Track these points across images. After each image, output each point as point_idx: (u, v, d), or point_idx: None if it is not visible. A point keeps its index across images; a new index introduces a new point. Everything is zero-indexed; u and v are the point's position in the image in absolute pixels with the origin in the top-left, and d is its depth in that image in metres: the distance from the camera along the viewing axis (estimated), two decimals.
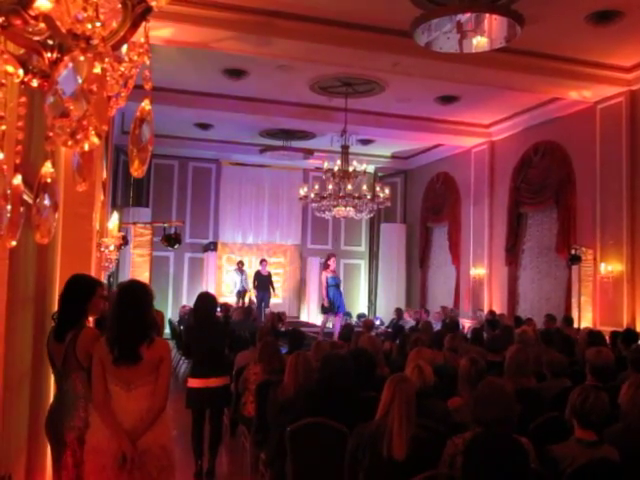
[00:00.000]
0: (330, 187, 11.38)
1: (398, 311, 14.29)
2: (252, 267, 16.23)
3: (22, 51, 1.07)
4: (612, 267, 10.12)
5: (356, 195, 11.32)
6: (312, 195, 11.72)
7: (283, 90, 11.37)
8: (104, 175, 8.64)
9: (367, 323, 9.68)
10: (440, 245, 16.00)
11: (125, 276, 13.36)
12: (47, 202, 1.26)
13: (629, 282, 9.85)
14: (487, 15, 6.79)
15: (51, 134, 1.01)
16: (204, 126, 13.97)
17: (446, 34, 7.06)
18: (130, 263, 13.04)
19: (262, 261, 15.71)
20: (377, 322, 14.34)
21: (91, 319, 3.97)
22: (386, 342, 7.85)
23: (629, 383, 3.44)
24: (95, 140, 1.02)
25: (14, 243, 1.27)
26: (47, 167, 1.26)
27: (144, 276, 11.77)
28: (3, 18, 0.97)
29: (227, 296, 15.76)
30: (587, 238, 10.78)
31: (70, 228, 4.83)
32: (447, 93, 11.36)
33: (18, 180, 1.24)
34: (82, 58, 0.97)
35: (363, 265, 18.41)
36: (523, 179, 12.58)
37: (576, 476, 2.85)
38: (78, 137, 1.00)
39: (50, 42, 1.03)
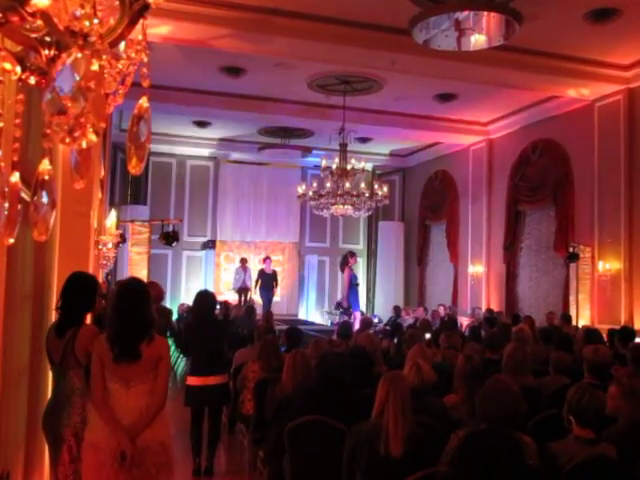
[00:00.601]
0: (328, 185, 11.38)
1: (396, 309, 14.31)
2: (251, 265, 16.17)
3: (19, 48, 1.07)
4: (610, 265, 10.14)
5: (354, 193, 11.33)
6: (310, 193, 11.72)
7: (281, 88, 11.36)
8: (102, 173, 8.63)
9: (365, 321, 9.68)
10: (438, 243, 16.00)
11: (123, 274, 13.35)
12: (45, 200, 1.25)
13: (627, 280, 9.86)
14: (485, 13, 6.79)
15: (49, 131, 1.01)
16: (202, 124, 13.96)
17: (444, 32, 7.06)
18: (128, 261, 13.04)
19: (266, 259, 15.41)
20: (375, 320, 14.35)
21: (88, 316, 3.98)
22: (384, 340, 7.86)
23: (616, 384, 3.45)
24: (93, 137, 1.01)
25: (12, 241, 1.27)
26: (45, 164, 1.26)
27: (142, 274, 11.78)
28: (0, 15, 0.97)
29: (225, 294, 15.74)
30: (585, 236, 10.79)
31: (68, 226, 4.83)
32: (445, 91, 11.36)
33: (16, 177, 1.24)
34: (80, 55, 0.97)
35: (361, 263, 18.39)
36: (521, 177, 12.59)
37: (575, 473, 2.85)
38: (76, 134, 1.00)
39: (47, 39, 1.03)
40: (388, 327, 12.13)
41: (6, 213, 1.19)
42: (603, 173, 10.42)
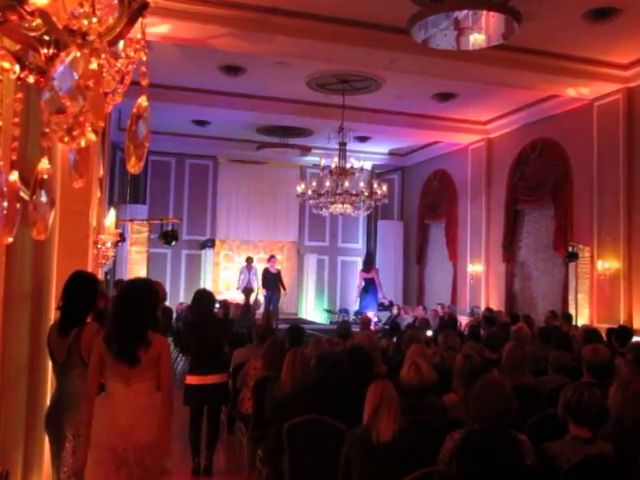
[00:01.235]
0: (327, 184, 11.38)
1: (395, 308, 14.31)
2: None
3: (18, 47, 1.07)
4: (609, 264, 10.14)
5: (353, 192, 11.33)
6: (309, 192, 11.72)
7: (280, 87, 11.35)
8: (101, 172, 8.62)
9: (364, 320, 9.67)
10: (437, 242, 16.00)
11: (122, 273, 13.35)
12: (44, 199, 1.25)
13: (626, 279, 9.87)
14: (484, 12, 6.78)
15: (47, 130, 1.01)
16: (201, 123, 13.95)
17: (443, 31, 7.06)
18: (127, 260, 13.05)
19: (270, 258, 15.29)
20: (374, 319, 14.34)
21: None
22: (383, 339, 7.86)
23: (617, 383, 3.45)
24: (92, 136, 1.01)
25: (10, 240, 1.27)
26: (44, 163, 1.26)
27: (141, 273, 11.78)
28: None
29: (225, 293, 15.72)
30: (584, 235, 10.80)
31: (67, 225, 4.83)
32: (444, 90, 11.35)
33: (14, 177, 1.24)
34: (78, 54, 0.97)
35: (360, 262, 18.39)
36: (520, 176, 12.59)
37: (572, 473, 2.85)
38: (75, 133, 1.00)
39: (46, 38, 1.03)
40: (387, 326, 12.13)
41: (5, 212, 1.19)
42: (602, 172, 10.42)
